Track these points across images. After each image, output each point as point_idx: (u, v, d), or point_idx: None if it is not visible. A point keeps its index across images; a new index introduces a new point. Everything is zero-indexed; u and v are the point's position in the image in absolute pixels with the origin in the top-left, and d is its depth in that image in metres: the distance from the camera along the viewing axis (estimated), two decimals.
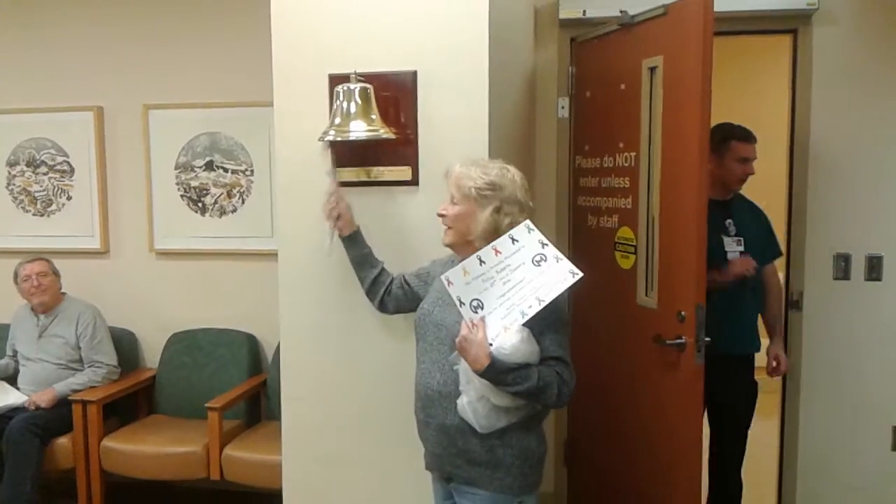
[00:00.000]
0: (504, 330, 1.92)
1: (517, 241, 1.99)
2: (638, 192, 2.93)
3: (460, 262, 2.02)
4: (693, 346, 2.60)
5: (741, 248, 3.17)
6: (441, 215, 2.10)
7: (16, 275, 3.90)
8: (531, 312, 1.92)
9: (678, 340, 2.65)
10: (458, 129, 2.42)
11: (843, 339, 3.48)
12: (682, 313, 2.64)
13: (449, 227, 2.10)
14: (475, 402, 1.98)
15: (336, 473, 2.65)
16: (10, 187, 4.24)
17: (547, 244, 1.99)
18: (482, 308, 1.96)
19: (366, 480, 2.62)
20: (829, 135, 3.45)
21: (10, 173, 4.23)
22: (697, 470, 2.70)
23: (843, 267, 3.46)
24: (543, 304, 1.92)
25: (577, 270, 1.95)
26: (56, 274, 3.94)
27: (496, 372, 1.90)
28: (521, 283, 1.96)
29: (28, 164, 4.20)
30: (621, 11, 2.99)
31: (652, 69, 2.83)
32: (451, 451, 2.08)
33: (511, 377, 1.91)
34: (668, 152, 2.77)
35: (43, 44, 4.13)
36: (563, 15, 3.46)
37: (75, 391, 3.72)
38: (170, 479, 3.62)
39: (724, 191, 3.21)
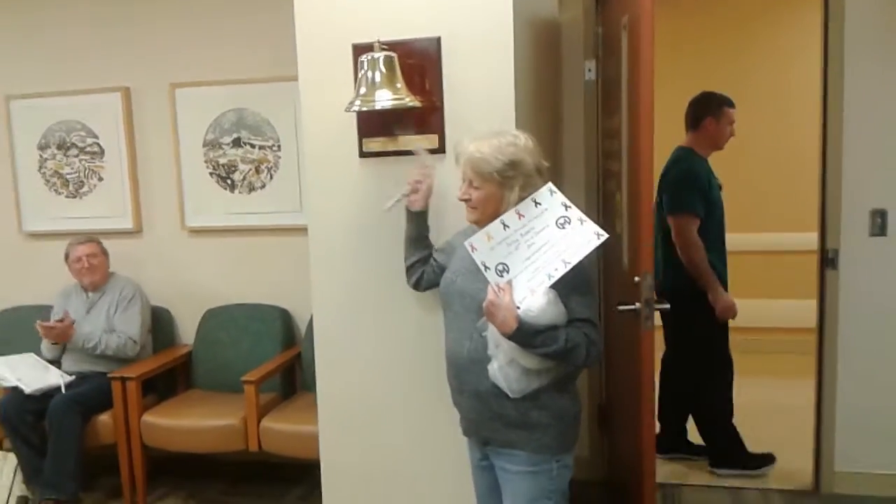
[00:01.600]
0: (531, 293, 1.93)
1: (540, 203, 1.99)
2: (621, 155, 2.91)
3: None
4: (641, 313, 2.53)
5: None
6: (465, 199, 2.09)
7: (67, 255, 3.97)
8: (557, 275, 1.92)
9: (631, 306, 2.60)
10: (484, 96, 2.40)
11: (880, 296, 3.43)
12: (636, 279, 2.58)
13: (474, 208, 2.08)
14: (505, 367, 2.00)
15: (372, 440, 2.68)
16: (42, 170, 4.29)
17: (570, 206, 1.99)
18: (507, 272, 1.96)
19: (402, 447, 2.65)
20: (863, 90, 3.36)
21: (41, 157, 4.28)
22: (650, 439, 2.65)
23: (879, 223, 3.40)
24: (569, 266, 1.92)
25: (602, 232, 1.95)
26: (105, 254, 4.01)
27: (524, 334, 1.91)
28: (545, 245, 1.96)
29: (59, 147, 4.24)
30: None
31: (624, 27, 2.79)
32: (487, 415, 2.10)
33: (539, 339, 1.93)
34: (630, 115, 2.73)
35: (66, 26, 4.15)
36: None
37: (86, 345, 3.79)
38: (209, 452, 3.69)
39: (711, 151, 3.72)
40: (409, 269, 2.41)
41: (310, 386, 3.27)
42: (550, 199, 1.99)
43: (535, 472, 2.10)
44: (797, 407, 3.99)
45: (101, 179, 4.22)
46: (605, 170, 3.47)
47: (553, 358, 1.97)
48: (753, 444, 3.79)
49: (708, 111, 3.69)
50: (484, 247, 1.99)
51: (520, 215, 1.99)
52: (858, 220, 3.42)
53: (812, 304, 3.58)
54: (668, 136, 5.18)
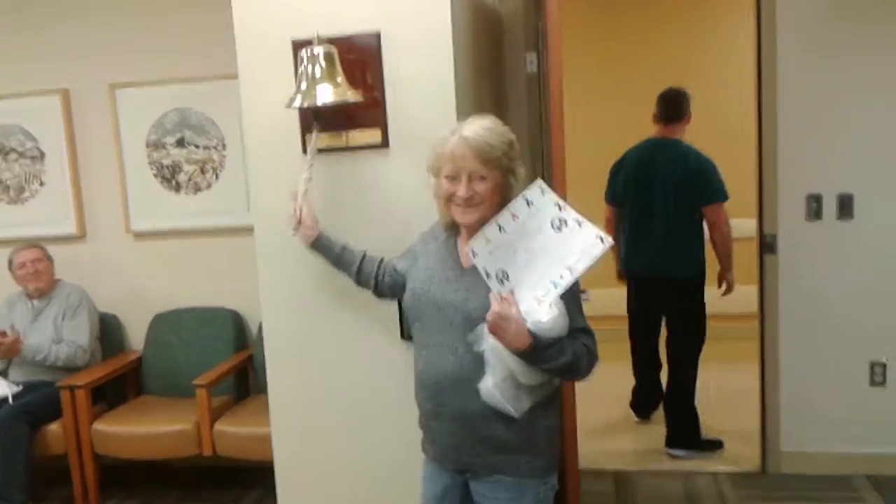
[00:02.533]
0: (537, 303, 1.76)
1: (532, 203, 1.84)
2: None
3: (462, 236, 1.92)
4: None
5: None
6: (468, 197, 1.85)
7: (10, 262, 3.89)
8: (564, 283, 1.76)
9: None
10: (425, 89, 2.40)
11: (818, 279, 3.54)
12: None
13: (477, 205, 1.86)
14: (501, 384, 1.82)
15: (325, 442, 2.67)
16: None
17: (564, 206, 1.83)
18: (507, 280, 1.80)
19: (354, 448, 2.64)
20: (797, 78, 3.47)
21: None
22: None
23: (814, 207, 3.50)
24: (577, 275, 1.76)
25: (605, 236, 1.78)
26: (50, 259, 3.94)
27: (538, 349, 1.74)
28: (544, 250, 1.80)
29: None
30: None
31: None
32: (470, 440, 1.89)
33: (548, 353, 1.76)
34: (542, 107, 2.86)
35: (3, 28, 4.06)
36: None
37: (35, 358, 3.73)
38: (163, 458, 3.65)
39: None
40: (360, 284, 2.27)
41: (263, 388, 3.22)
42: (542, 198, 1.84)
43: (521, 497, 1.91)
44: (743, 391, 4.09)
45: (42, 184, 4.14)
46: (547, 162, 3.52)
47: (557, 373, 1.83)
48: (703, 429, 3.89)
49: (689, 105, 3.94)
50: (484, 251, 1.83)
51: (514, 216, 1.84)
52: (795, 206, 3.52)
53: (753, 290, 3.68)
54: (611, 123, 5.29)
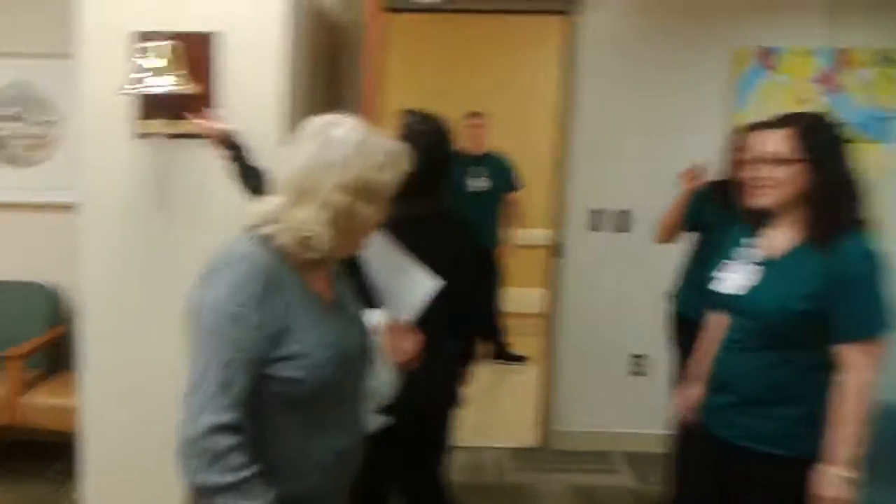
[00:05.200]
0: None
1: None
2: None
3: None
4: None
5: None
6: None
7: None
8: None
9: None
10: (258, 87, 2.65)
11: (596, 282, 4.10)
12: None
13: None
14: None
15: (133, 417, 2.79)
16: None
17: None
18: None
19: (161, 426, 2.78)
20: (592, 107, 4.00)
21: None
22: None
23: (595, 220, 4.07)
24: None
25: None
26: None
27: None
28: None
29: None
30: None
31: None
32: None
33: None
34: None
35: None
36: None
37: None
38: None
39: None
40: None
41: (77, 363, 3.33)
42: None
43: None
44: (529, 378, 4.64)
45: None
46: None
47: None
48: (491, 412, 4.37)
49: None
50: None
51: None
52: (580, 218, 4.07)
53: (541, 292, 4.20)
54: None
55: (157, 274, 2.73)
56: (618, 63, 3.98)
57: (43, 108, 3.93)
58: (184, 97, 2.56)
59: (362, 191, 1.48)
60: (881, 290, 1.91)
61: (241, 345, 1.40)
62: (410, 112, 2.33)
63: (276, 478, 1.45)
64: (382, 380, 1.77)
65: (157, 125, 2.64)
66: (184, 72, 2.50)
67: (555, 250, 4.09)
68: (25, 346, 3.67)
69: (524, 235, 5.00)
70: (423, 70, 6.26)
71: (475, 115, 5.15)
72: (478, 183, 5.00)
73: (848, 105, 3.89)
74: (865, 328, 1.91)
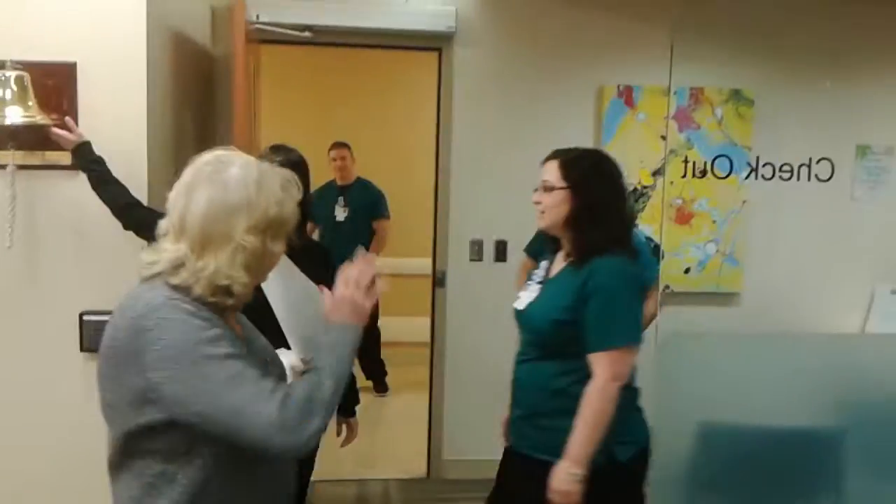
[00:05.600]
0: None
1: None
2: None
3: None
4: None
5: None
6: None
7: None
8: None
9: None
10: (117, 117, 2.62)
11: (477, 311, 4.16)
12: None
13: None
14: None
15: None
16: None
17: None
18: None
19: (20, 461, 2.69)
20: (469, 141, 4.11)
21: None
22: None
23: (476, 250, 4.15)
24: None
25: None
26: None
27: None
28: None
29: None
30: None
31: None
32: None
33: None
34: None
35: None
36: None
37: None
38: None
39: None
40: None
41: None
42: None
43: None
44: (415, 407, 4.65)
45: None
46: None
47: None
48: (377, 443, 4.35)
49: None
50: None
51: None
52: (462, 248, 4.14)
53: (427, 321, 4.24)
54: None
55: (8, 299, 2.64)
56: (492, 97, 4.11)
57: None
58: (42, 128, 2.49)
59: (270, 228, 1.46)
60: (628, 304, 2.12)
61: (233, 352, 1.39)
62: (272, 148, 2.42)
63: None
64: None
65: (21, 156, 2.55)
66: (31, 103, 2.43)
67: (437, 280, 4.15)
68: None
69: (407, 265, 5.05)
70: (297, 101, 6.30)
71: (340, 145, 5.33)
72: (344, 212, 5.23)
73: (704, 141, 4.14)
74: (609, 338, 2.08)
